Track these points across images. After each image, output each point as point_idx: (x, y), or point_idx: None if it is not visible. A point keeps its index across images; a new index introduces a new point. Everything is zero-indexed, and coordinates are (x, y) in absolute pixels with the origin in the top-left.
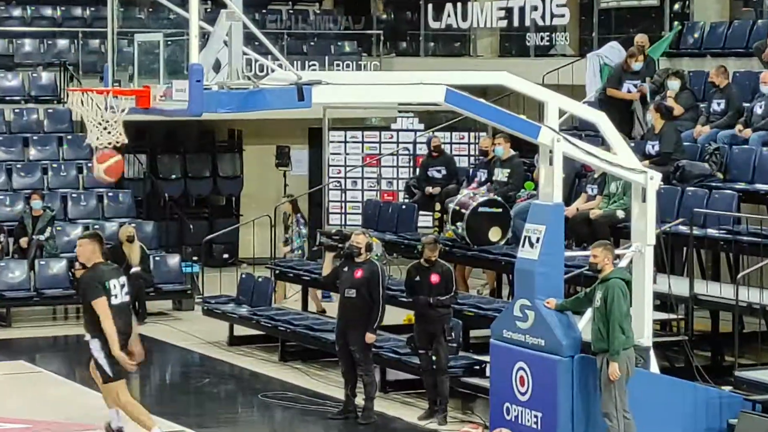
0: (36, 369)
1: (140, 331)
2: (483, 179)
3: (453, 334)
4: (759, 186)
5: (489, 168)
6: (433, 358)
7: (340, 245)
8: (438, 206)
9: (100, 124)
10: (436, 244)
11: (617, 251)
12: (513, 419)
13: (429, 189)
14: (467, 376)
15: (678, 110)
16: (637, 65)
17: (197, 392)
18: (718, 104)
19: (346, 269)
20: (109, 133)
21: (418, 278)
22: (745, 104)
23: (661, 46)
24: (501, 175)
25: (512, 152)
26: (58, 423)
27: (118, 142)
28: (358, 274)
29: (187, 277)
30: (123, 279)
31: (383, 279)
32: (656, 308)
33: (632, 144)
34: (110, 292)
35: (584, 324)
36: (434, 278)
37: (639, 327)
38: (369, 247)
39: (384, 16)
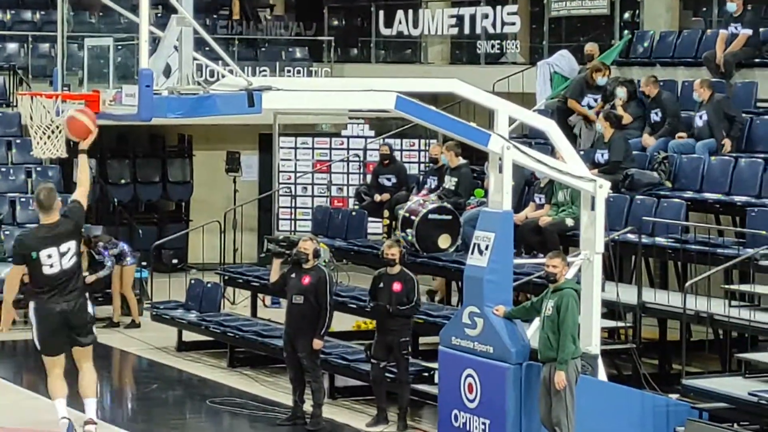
0: None
1: None
2: (433, 186)
3: (409, 348)
4: (707, 195)
5: (439, 175)
6: (392, 368)
7: (287, 252)
8: (387, 213)
9: (47, 128)
10: (396, 244)
11: (567, 259)
12: (461, 426)
13: (378, 196)
14: (416, 383)
15: (627, 119)
16: (602, 80)
17: (145, 398)
18: (656, 113)
19: (293, 275)
20: (53, 142)
21: (381, 285)
22: (692, 113)
23: (611, 54)
24: (450, 183)
25: (461, 161)
26: (6, 429)
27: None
28: (306, 280)
29: (136, 283)
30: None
31: (331, 285)
32: (604, 316)
33: (581, 153)
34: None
35: (533, 332)
36: (396, 286)
37: (587, 335)
38: (316, 254)
39: (335, 23)
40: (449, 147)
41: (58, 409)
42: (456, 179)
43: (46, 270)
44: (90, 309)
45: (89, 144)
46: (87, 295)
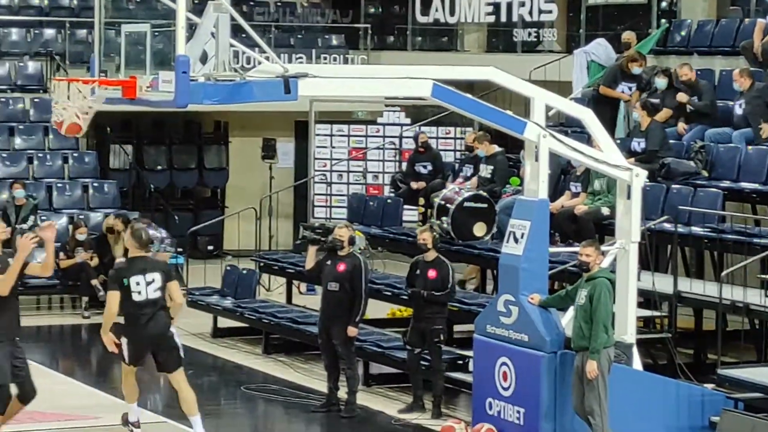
0: None
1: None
2: (469, 174)
3: (441, 336)
4: (743, 184)
5: (475, 163)
6: (426, 356)
7: (322, 239)
8: (422, 201)
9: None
10: (429, 229)
11: (602, 248)
12: (495, 414)
13: (414, 184)
14: (450, 371)
15: (666, 113)
16: (637, 70)
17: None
18: (694, 100)
19: (329, 263)
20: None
21: (417, 272)
22: (730, 103)
23: (648, 43)
24: (485, 171)
25: (496, 149)
26: (40, 413)
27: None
28: (341, 267)
29: (172, 269)
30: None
31: (366, 272)
32: (640, 305)
33: (617, 141)
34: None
35: (568, 320)
36: (431, 273)
37: (622, 324)
38: (351, 241)
39: (372, 10)
40: (479, 138)
41: (130, 414)
42: (491, 167)
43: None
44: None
45: None
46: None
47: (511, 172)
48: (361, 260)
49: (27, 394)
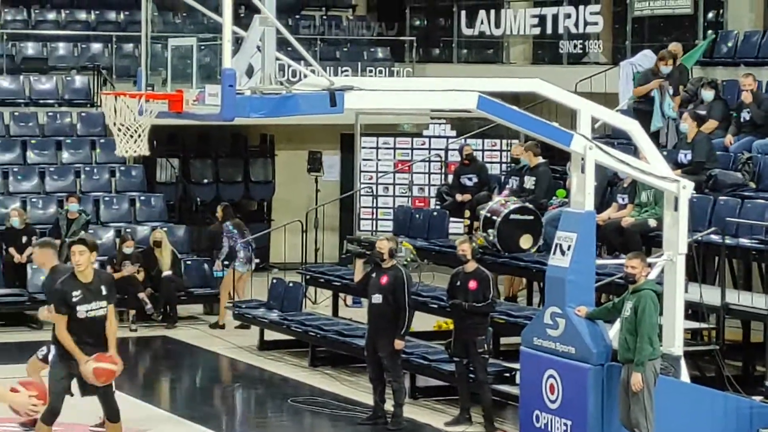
0: None
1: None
2: (515, 186)
3: (485, 346)
4: None
5: (520, 175)
6: (471, 368)
7: (367, 252)
8: (468, 213)
9: (128, 129)
10: (468, 240)
11: (649, 260)
12: (543, 427)
13: (460, 196)
14: (497, 384)
15: (712, 124)
16: (665, 69)
17: (227, 396)
18: (747, 112)
19: (373, 275)
20: (135, 141)
21: (458, 283)
22: None
23: (694, 54)
24: (530, 183)
25: (540, 160)
26: (84, 426)
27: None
28: (384, 280)
29: (218, 282)
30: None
31: (408, 284)
32: (687, 317)
33: (664, 153)
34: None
35: (614, 333)
36: (472, 284)
37: (670, 336)
38: (392, 253)
39: (417, 23)
40: (527, 147)
41: None
42: (534, 178)
43: None
44: None
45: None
46: None
47: (555, 185)
48: (404, 272)
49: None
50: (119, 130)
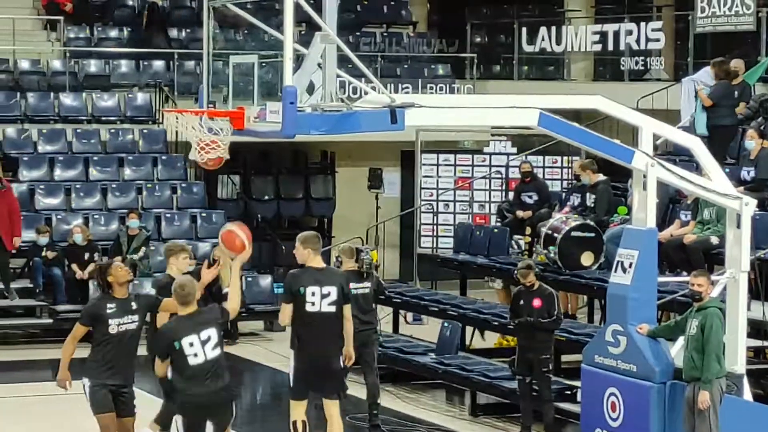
0: None
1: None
2: (576, 203)
3: (550, 366)
4: None
5: (582, 192)
6: (534, 386)
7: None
8: (529, 230)
9: (201, 141)
10: (529, 269)
11: (712, 278)
12: None
13: (520, 213)
14: (558, 401)
15: None
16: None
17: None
18: None
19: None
20: (214, 149)
21: (521, 302)
22: None
23: (757, 71)
24: (590, 200)
25: (600, 177)
26: None
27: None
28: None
29: (279, 298)
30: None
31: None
32: (750, 335)
33: (727, 170)
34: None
35: (676, 351)
36: (536, 302)
37: (732, 354)
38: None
39: (478, 39)
40: (584, 166)
41: None
42: (594, 196)
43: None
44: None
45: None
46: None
47: (616, 201)
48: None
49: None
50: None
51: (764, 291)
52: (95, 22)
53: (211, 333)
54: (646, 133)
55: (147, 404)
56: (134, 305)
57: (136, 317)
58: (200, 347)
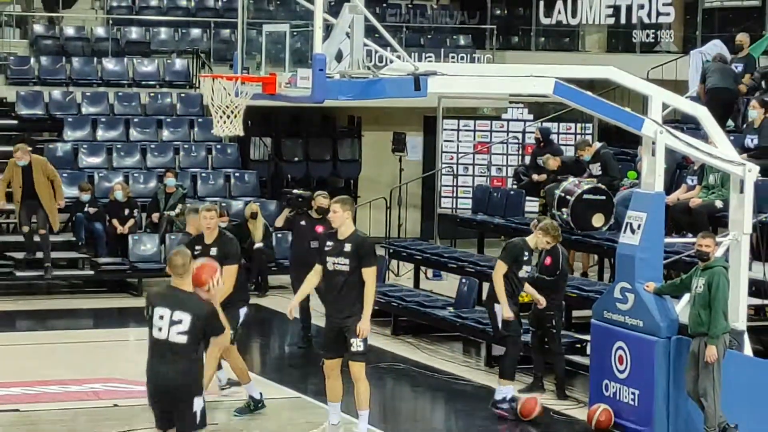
0: None
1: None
2: (594, 172)
3: (554, 321)
4: None
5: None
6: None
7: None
8: (543, 193)
9: (225, 110)
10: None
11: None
12: (611, 396)
13: (536, 176)
14: (569, 354)
15: None
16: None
17: (314, 362)
18: None
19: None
20: (231, 122)
21: (539, 257)
22: None
23: (761, 45)
24: (595, 169)
25: (596, 146)
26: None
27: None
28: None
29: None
30: None
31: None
32: (751, 294)
33: (731, 137)
34: None
35: (681, 307)
36: (548, 260)
37: (734, 312)
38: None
39: (498, 12)
40: (580, 146)
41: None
42: (598, 164)
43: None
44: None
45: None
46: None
47: (625, 167)
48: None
49: None
50: (216, 111)
51: (765, 252)
52: None
53: (185, 318)
54: (655, 102)
55: None
56: None
57: None
58: (167, 325)
